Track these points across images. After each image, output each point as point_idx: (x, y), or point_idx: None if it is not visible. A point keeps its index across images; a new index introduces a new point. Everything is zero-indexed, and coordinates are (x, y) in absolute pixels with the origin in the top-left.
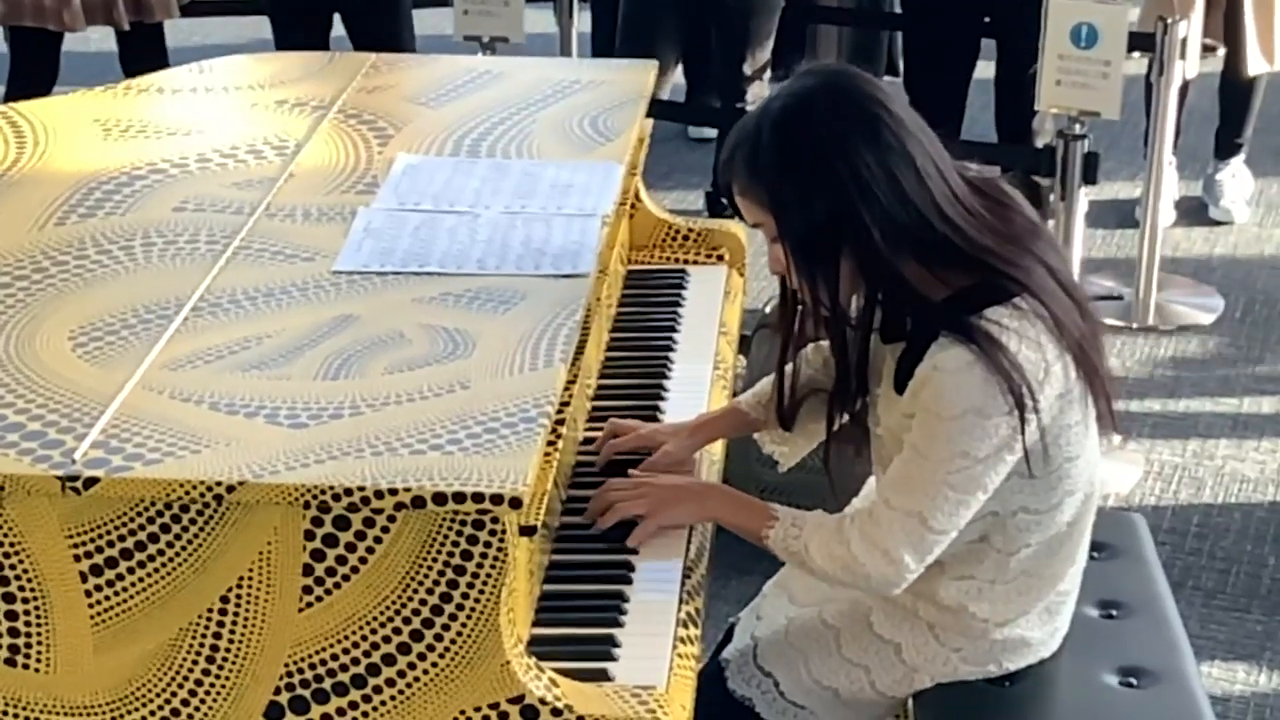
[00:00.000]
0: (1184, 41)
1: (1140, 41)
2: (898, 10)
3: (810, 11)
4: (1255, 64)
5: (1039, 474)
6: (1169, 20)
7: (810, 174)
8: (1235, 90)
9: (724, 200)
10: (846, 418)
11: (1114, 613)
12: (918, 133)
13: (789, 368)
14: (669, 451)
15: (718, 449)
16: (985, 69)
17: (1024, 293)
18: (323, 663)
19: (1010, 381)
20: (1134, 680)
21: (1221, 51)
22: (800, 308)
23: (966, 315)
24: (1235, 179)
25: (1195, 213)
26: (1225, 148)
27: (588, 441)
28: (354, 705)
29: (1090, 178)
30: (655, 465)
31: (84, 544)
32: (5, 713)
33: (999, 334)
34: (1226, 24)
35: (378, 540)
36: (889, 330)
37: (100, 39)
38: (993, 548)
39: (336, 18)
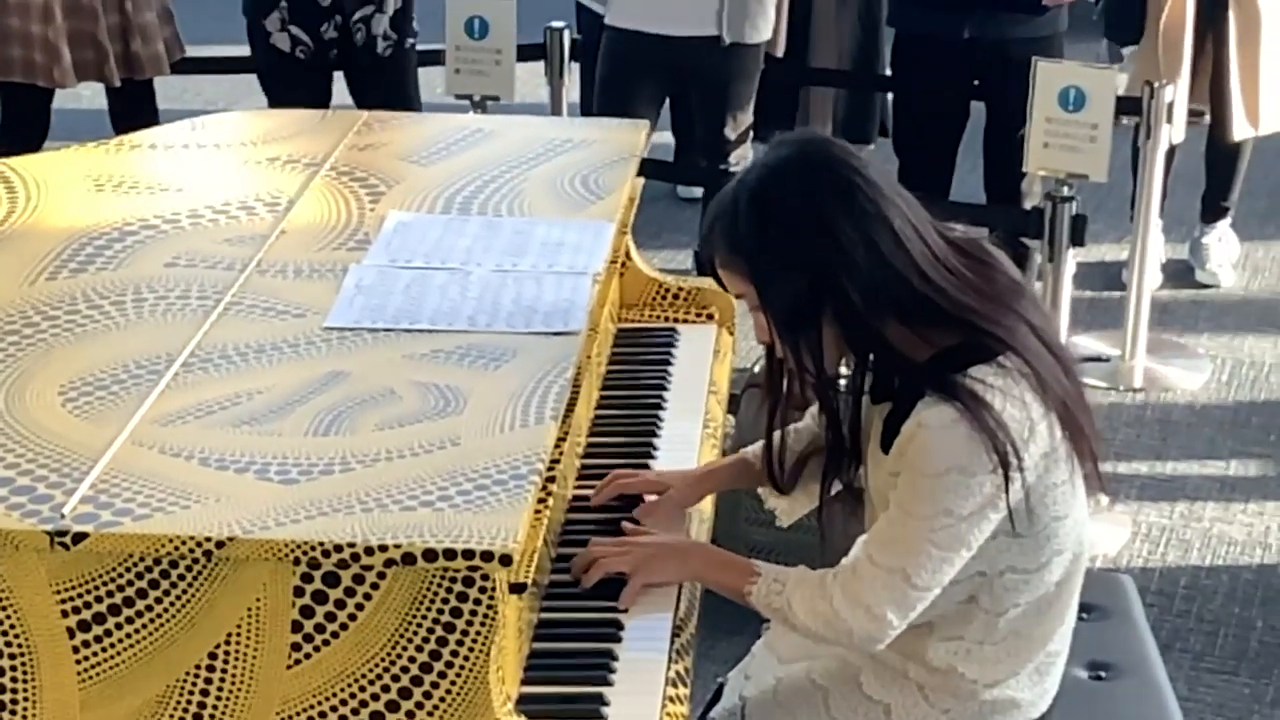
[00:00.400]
0: (1170, 106)
1: (1127, 106)
2: (888, 72)
3: (801, 73)
4: (1240, 129)
5: (1025, 533)
6: (1156, 85)
7: (788, 244)
8: (1221, 155)
9: (708, 269)
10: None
11: (1103, 674)
12: (894, 196)
13: (777, 435)
14: (673, 496)
15: (708, 508)
16: (974, 131)
17: (1008, 351)
18: None
19: (994, 439)
20: None
21: (1207, 117)
22: (787, 373)
23: (951, 374)
24: (1221, 242)
25: (1181, 275)
26: (1211, 211)
27: (578, 499)
28: None
29: (1078, 240)
30: (657, 508)
31: (72, 600)
32: None
33: (983, 392)
34: (1212, 89)
35: (367, 597)
36: (877, 390)
37: (91, 96)
38: (981, 608)
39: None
